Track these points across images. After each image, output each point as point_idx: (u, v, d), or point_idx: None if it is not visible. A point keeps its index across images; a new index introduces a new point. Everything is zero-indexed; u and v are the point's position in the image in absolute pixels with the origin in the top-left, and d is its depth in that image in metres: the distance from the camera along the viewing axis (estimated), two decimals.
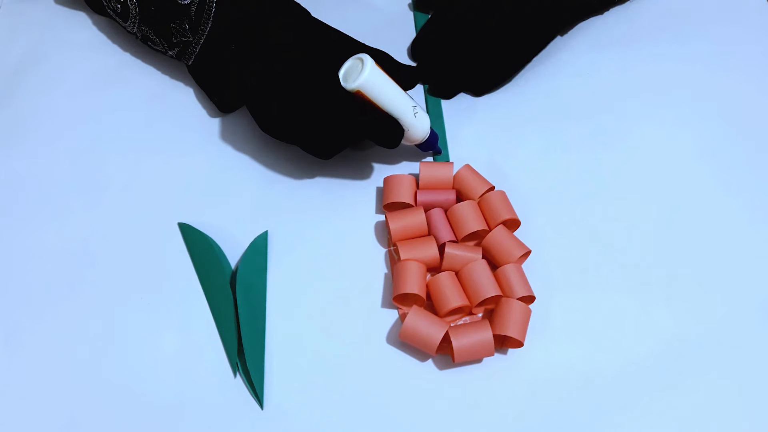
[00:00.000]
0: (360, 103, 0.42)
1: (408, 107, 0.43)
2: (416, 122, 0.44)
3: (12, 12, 0.55)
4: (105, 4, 0.47)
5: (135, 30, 0.47)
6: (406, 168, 0.48)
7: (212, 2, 0.43)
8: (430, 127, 0.45)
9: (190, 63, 0.46)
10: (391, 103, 0.42)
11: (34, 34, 0.54)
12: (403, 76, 0.45)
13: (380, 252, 0.45)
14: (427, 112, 0.50)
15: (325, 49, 0.44)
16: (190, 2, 0.43)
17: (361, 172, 0.48)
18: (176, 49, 0.46)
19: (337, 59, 0.43)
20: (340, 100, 0.41)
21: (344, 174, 0.48)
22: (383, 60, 0.44)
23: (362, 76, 0.41)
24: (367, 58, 0.41)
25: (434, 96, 0.51)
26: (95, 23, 0.54)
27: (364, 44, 0.46)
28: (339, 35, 0.46)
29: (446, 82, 0.51)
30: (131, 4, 0.45)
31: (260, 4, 0.45)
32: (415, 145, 0.46)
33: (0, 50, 0.53)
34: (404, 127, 0.43)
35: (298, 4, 0.47)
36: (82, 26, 0.54)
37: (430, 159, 0.48)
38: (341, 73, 0.42)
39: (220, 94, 0.47)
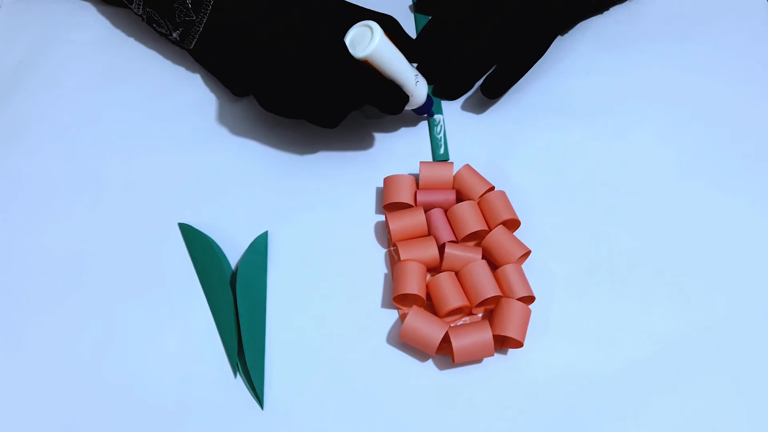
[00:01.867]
0: (366, 70, 0.42)
1: (411, 75, 0.44)
2: (417, 89, 0.45)
3: (12, 12, 0.55)
4: None
5: (140, 12, 0.47)
6: (406, 168, 0.48)
7: None
8: (427, 94, 0.46)
9: (192, 46, 0.46)
10: (396, 71, 0.43)
11: (34, 34, 0.54)
12: (408, 45, 0.45)
13: (380, 252, 0.45)
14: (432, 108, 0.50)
15: (328, 15, 0.44)
16: None
17: (361, 172, 0.48)
18: (180, 30, 0.46)
19: (341, 25, 0.43)
20: (346, 67, 0.41)
21: (344, 174, 0.48)
22: (390, 27, 0.44)
23: (372, 46, 0.41)
24: (376, 27, 0.41)
25: (439, 98, 0.51)
26: (95, 23, 0.54)
27: (370, 10, 0.45)
28: (342, 2, 0.46)
29: (449, 84, 0.51)
30: None
31: None
32: (412, 109, 0.47)
33: (0, 50, 0.53)
34: (407, 94, 0.44)
35: None
36: (82, 26, 0.54)
37: (429, 159, 0.48)
38: (347, 40, 0.42)
39: (228, 79, 0.47)
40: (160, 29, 0.47)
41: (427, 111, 0.48)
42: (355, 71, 0.42)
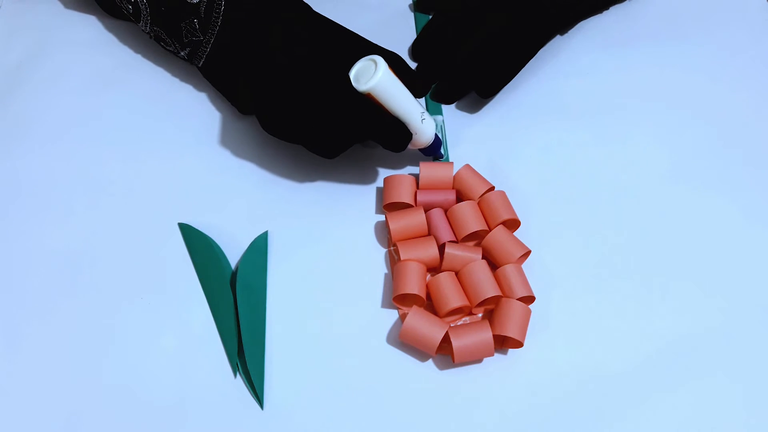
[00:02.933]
0: (369, 105, 0.41)
1: (416, 112, 0.43)
2: (423, 127, 0.43)
3: (12, 12, 0.55)
4: (118, 4, 0.47)
5: (148, 30, 0.47)
6: (406, 168, 0.48)
7: (221, 1, 0.43)
8: (435, 133, 0.45)
9: (200, 64, 0.46)
10: (401, 107, 0.42)
11: (34, 34, 0.54)
12: (414, 82, 0.44)
13: (380, 252, 0.45)
14: (427, 111, 0.50)
15: (335, 48, 0.44)
16: (199, 1, 0.43)
17: (361, 172, 0.48)
18: (188, 49, 0.46)
19: (347, 58, 0.42)
20: (349, 101, 0.41)
21: (344, 174, 0.48)
22: (395, 63, 0.44)
23: (374, 79, 0.40)
24: (381, 61, 0.40)
25: (436, 101, 0.51)
26: (96, 23, 0.54)
27: (376, 45, 0.45)
28: (350, 35, 0.46)
29: (448, 85, 0.51)
30: (142, 5, 0.45)
31: (269, 1, 0.44)
32: (418, 149, 0.46)
33: (0, 50, 0.53)
34: (411, 132, 0.43)
35: (306, 3, 0.47)
36: (82, 26, 0.54)
37: (429, 159, 0.48)
38: (352, 74, 0.42)
39: (234, 97, 0.47)
40: (168, 48, 0.47)
41: (434, 152, 0.46)
42: (357, 105, 0.41)
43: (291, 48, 0.42)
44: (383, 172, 0.48)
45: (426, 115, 0.44)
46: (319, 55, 0.42)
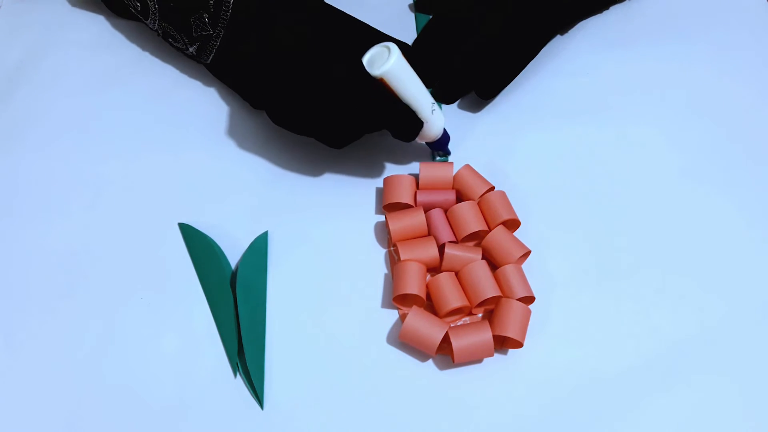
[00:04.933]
0: (382, 91, 0.42)
1: (427, 102, 0.43)
2: (433, 119, 0.44)
3: (12, 12, 0.55)
4: (126, 1, 0.47)
5: (156, 27, 0.47)
6: (406, 168, 0.48)
7: None
8: (443, 128, 0.45)
9: (209, 60, 0.46)
10: (413, 95, 0.42)
11: (34, 34, 0.54)
12: (424, 72, 0.44)
13: (380, 252, 0.45)
14: None
15: (346, 36, 0.44)
16: None
17: (361, 172, 0.48)
18: (197, 44, 0.46)
19: (358, 46, 0.42)
20: (361, 86, 0.41)
21: (344, 174, 0.48)
22: (408, 52, 0.44)
23: (389, 63, 0.40)
24: (394, 47, 0.41)
25: (436, 101, 0.51)
26: (96, 23, 0.54)
27: (387, 35, 0.45)
28: (361, 24, 0.45)
29: (449, 85, 0.51)
30: (151, 2, 0.45)
31: None
32: (426, 143, 0.46)
33: (0, 50, 0.53)
34: (422, 121, 0.43)
35: None
36: (83, 26, 0.54)
37: (429, 159, 0.48)
38: (365, 59, 0.42)
39: (245, 91, 0.47)
40: (176, 44, 0.47)
41: (442, 147, 0.47)
42: (369, 90, 0.41)
43: (300, 37, 0.42)
44: (383, 173, 0.48)
45: (436, 107, 0.44)
46: (328, 42, 0.42)
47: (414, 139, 0.44)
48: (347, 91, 0.41)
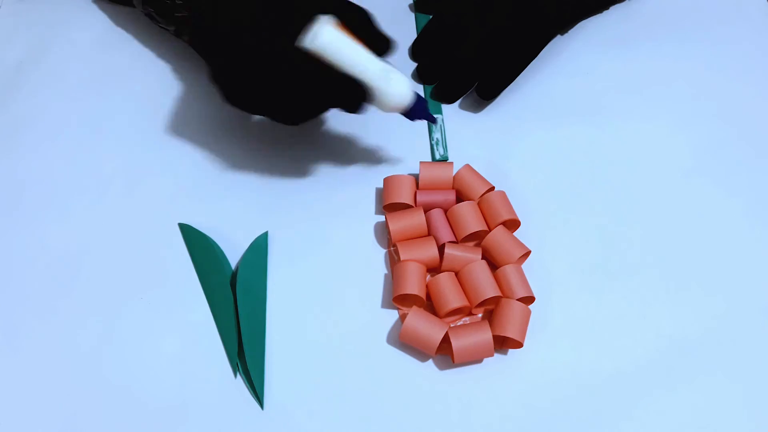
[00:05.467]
0: (317, 64, 0.40)
1: (376, 70, 0.41)
2: (389, 87, 0.41)
3: (12, 11, 0.55)
4: None
5: (142, 9, 0.47)
6: (405, 168, 0.48)
7: None
8: (417, 94, 0.43)
9: (187, 39, 0.46)
10: (354, 65, 0.40)
11: (34, 33, 0.54)
12: (377, 40, 0.42)
13: (380, 252, 0.45)
14: (428, 109, 0.49)
15: (286, 10, 0.42)
16: None
17: (361, 172, 0.48)
18: (173, 27, 0.46)
19: (300, 21, 0.40)
20: (299, 63, 0.40)
21: (344, 174, 0.48)
22: (359, 19, 0.42)
23: (316, 36, 0.39)
24: (323, 18, 0.40)
25: (436, 101, 0.51)
26: (96, 23, 0.54)
27: (340, 1, 0.43)
28: None
29: (449, 85, 0.51)
30: None
31: None
32: (402, 113, 0.43)
33: (0, 50, 0.53)
34: (373, 91, 0.41)
35: None
36: (83, 26, 0.54)
37: (429, 159, 0.48)
38: (307, 35, 0.40)
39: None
40: (161, 25, 0.47)
41: (421, 115, 0.43)
42: (302, 64, 0.40)
43: (236, 15, 0.41)
44: (383, 173, 0.48)
45: (395, 74, 0.41)
46: (265, 18, 0.41)
47: (360, 109, 0.42)
48: (280, 66, 0.40)
